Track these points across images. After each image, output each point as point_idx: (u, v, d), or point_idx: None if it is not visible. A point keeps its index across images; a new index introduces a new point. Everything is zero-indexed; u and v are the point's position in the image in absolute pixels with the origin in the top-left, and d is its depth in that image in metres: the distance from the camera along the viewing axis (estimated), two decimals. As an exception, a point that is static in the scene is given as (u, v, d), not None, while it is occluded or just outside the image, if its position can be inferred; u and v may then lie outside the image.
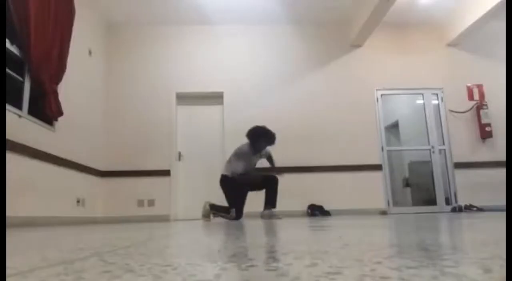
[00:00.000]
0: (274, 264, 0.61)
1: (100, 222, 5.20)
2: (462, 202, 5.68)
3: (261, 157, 4.54)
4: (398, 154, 7.09)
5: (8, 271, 0.60)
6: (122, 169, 5.72)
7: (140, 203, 5.66)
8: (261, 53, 6.26)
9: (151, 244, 1.19)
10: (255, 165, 4.54)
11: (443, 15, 6.16)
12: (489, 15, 5.43)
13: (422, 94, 6.24)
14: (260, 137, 4.31)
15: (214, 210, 4.39)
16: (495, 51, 6.17)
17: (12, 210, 3.34)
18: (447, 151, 5.99)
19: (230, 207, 4.22)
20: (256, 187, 4.32)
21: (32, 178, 3.90)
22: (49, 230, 2.62)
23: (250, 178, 4.34)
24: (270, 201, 4.26)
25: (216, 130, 6.00)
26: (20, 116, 3.76)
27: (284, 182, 5.67)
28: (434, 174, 5.97)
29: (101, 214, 5.53)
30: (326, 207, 5.55)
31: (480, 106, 6.01)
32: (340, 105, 6.04)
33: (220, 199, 5.88)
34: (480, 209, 5.42)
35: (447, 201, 5.89)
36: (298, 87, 6.11)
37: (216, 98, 6.06)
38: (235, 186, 4.25)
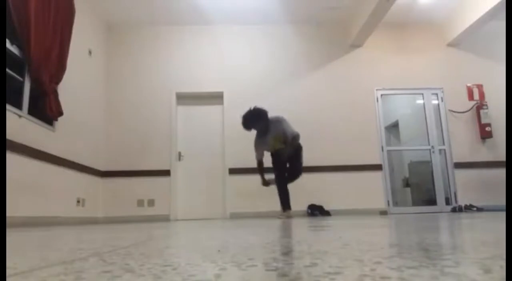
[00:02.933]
0: (274, 264, 0.61)
1: (100, 222, 5.20)
2: (462, 202, 5.68)
3: (285, 137, 4.36)
4: (398, 154, 7.08)
5: (8, 271, 0.60)
6: (122, 169, 5.71)
7: (140, 203, 5.66)
8: (261, 53, 6.26)
9: (151, 244, 1.19)
10: (279, 144, 4.39)
11: (443, 15, 6.16)
12: (489, 15, 5.43)
13: (422, 94, 6.24)
14: (249, 122, 4.36)
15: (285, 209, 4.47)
16: (495, 51, 6.17)
17: (12, 210, 3.35)
18: (447, 151, 5.99)
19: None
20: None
21: (32, 178, 3.90)
22: (49, 230, 2.62)
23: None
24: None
25: (216, 130, 5.99)
26: (20, 116, 3.77)
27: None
28: (434, 174, 5.97)
29: (101, 214, 5.53)
30: (326, 207, 5.54)
31: (480, 106, 6.01)
32: (340, 105, 6.03)
33: (220, 201, 5.89)
34: (480, 209, 5.42)
35: (447, 201, 5.89)
36: (298, 87, 6.11)
37: (216, 98, 6.06)
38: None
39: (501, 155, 5.68)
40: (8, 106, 3.51)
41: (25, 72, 4.01)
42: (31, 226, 3.58)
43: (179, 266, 0.63)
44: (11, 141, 3.48)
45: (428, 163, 6.12)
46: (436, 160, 6.01)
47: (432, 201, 5.98)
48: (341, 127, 5.96)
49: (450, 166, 5.94)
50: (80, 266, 0.66)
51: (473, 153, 5.96)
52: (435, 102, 6.20)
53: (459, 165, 5.89)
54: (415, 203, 6.51)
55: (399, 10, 5.75)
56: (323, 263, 0.60)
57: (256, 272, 0.55)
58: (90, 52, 5.51)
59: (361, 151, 5.87)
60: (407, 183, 6.93)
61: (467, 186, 5.80)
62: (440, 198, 5.92)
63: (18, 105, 3.84)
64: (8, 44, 3.77)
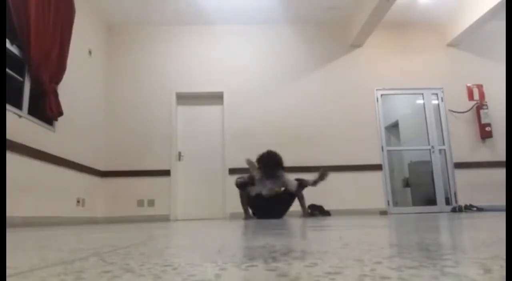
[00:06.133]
0: (274, 264, 0.61)
1: (100, 222, 5.20)
2: (462, 202, 5.68)
3: (280, 184, 4.43)
4: (398, 154, 7.09)
5: (8, 271, 0.60)
6: (122, 169, 5.72)
7: (140, 203, 5.66)
8: (261, 53, 6.26)
9: (151, 244, 1.18)
10: (272, 191, 4.39)
11: (443, 15, 6.16)
12: (489, 15, 5.43)
13: (422, 94, 6.24)
14: (260, 161, 4.35)
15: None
16: (495, 51, 6.17)
17: (12, 210, 3.35)
18: (447, 151, 5.99)
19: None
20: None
21: (32, 178, 3.90)
22: (49, 230, 2.62)
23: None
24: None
25: (216, 130, 6.00)
26: (20, 116, 3.77)
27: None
28: (434, 174, 5.97)
29: (101, 214, 5.53)
30: (326, 207, 5.53)
31: (480, 106, 6.01)
32: (340, 105, 6.04)
33: (220, 201, 5.86)
34: (480, 209, 5.42)
35: (447, 201, 5.89)
36: (298, 87, 6.11)
37: (216, 98, 6.06)
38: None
39: (501, 155, 5.68)
40: (8, 106, 3.51)
41: (25, 72, 4.01)
42: (31, 226, 3.58)
43: (179, 266, 0.63)
44: (11, 141, 3.48)
45: (428, 163, 6.12)
46: (436, 160, 6.01)
47: (432, 201, 5.98)
48: (341, 127, 5.96)
49: (450, 166, 5.94)
50: (80, 266, 0.66)
51: (473, 153, 5.96)
52: (435, 102, 6.20)
53: (459, 165, 5.89)
54: (415, 203, 6.51)
55: (399, 10, 5.75)
56: (323, 263, 0.60)
57: (256, 272, 0.55)
58: (90, 52, 5.51)
59: (361, 151, 5.87)
60: (407, 183, 6.94)
61: (467, 186, 5.80)
62: (440, 198, 5.92)
63: (18, 105, 3.84)
64: (8, 44, 3.77)
